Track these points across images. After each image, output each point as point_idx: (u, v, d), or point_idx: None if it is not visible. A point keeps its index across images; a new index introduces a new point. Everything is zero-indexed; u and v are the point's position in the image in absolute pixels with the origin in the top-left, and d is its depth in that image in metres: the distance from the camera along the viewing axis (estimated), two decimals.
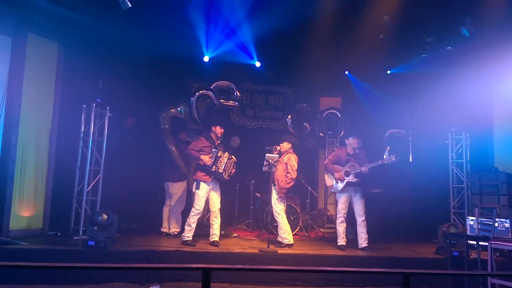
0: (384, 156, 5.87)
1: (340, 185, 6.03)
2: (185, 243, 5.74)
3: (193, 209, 5.86)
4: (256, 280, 5.07)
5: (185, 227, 5.86)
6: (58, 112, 6.54)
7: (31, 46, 6.23)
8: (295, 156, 6.11)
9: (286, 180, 5.94)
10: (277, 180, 6.00)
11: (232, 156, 6.00)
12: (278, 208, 6.03)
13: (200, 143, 5.98)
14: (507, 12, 6.05)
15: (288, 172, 5.96)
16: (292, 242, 5.95)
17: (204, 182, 5.85)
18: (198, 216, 5.89)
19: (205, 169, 5.84)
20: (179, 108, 7.40)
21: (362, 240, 5.88)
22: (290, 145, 6.17)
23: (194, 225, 5.82)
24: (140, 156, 7.31)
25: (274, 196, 6.05)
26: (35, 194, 6.26)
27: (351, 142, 6.14)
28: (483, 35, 6.52)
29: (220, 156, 5.85)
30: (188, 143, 7.08)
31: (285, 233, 5.96)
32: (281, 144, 6.17)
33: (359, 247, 5.87)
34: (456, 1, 6.25)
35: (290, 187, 6.08)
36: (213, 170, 5.80)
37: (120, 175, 6.97)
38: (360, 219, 5.92)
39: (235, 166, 6.03)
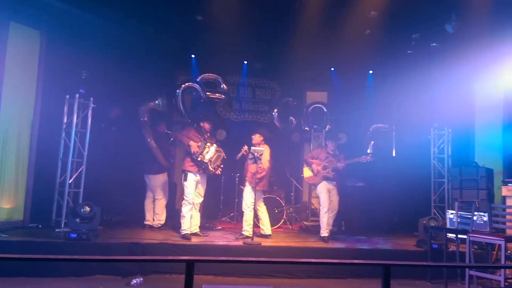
0: (362, 156, 6.11)
1: (318, 178, 6.23)
2: (183, 237, 5.73)
3: (183, 201, 5.89)
4: (240, 272, 5.10)
5: (181, 220, 5.84)
6: (40, 102, 6.40)
7: (13, 35, 6.07)
8: (268, 147, 6.19)
9: (258, 171, 5.98)
10: (250, 171, 6.03)
11: (221, 151, 6.05)
12: (249, 201, 5.99)
13: (190, 132, 6.06)
14: (491, 9, 6.15)
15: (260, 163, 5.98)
16: (251, 234, 5.83)
17: (191, 172, 5.88)
18: (190, 206, 5.88)
19: (192, 159, 5.88)
20: (157, 101, 7.33)
21: (328, 230, 6.10)
22: (262, 138, 6.22)
23: (187, 216, 5.83)
24: (124, 148, 7.22)
25: (247, 188, 6.07)
26: (16, 185, 6.15)
27: (329, 145, 6.46)
28: (467, 32, 6.62)
29: (207, 146, 5.92)
30: (167, 134, 7.06)
31: (248, 225, 5.97)
32: (252, 136, 6.22)
33: (321, 235, 6.04)
34: None
35: (262, 178, 6.03)
36: (199, 159, 5.82)
37: (103, 167, 6.88)
38: (334, 212, 6.27)
39: (221, 163, 6.06)
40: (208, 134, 6.17)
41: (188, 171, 5.88)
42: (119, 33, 6.91)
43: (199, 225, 6.11)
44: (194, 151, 5.83)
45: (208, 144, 5.97)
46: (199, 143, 5.90)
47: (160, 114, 7.36)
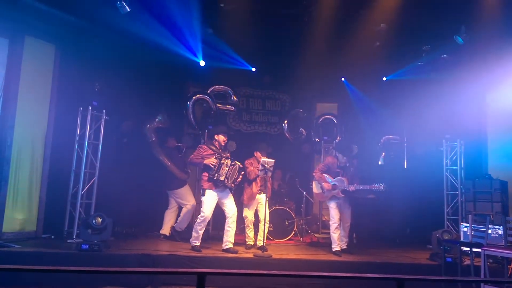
0: (374, 185, 5.84)
1: (327, 197, 6.14)
2: (193, 248, 5.71)
3: (199, 216, 5.80)
4: (250, 285, 5.06)
5: (193, 232, 5.81)
6: (54, 114, 6.51)
7: (28, 48, 6.22)
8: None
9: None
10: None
11: (236, 163, 5.83)
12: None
13: (202, 151, 5.88)
14: (501, 21, 6.13)
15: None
16: (253, 242, 6.37)
17: (210, 190, 5.74)
18: (205, 223, 5.78)
19: (209, 178, 5.73)
20: (157, 119, 7.28)
21: (342, 242, 6.04)
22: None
23: (201, 232, 5.75)
24: (136, 160, 7.27)
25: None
26: (29, 196, 6.22)
27: (340, 157, 6.24)
28: (477, 43, 6.61)
29: (223, 163, 5.73)
30: (178, 147, 7.08)
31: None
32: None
33: (333, 250, 5.95)
34: (451, 10, 6.33)
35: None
36: (215, 178, 5.68)
37: (115, 178, 6.93)
38: (346, 224, 6.13)
39: (241, 173, 5.87)
40: (221, 149, 5.99)
41: (207, 189, 5.74)
42: (132, 46, 7.01)
43: (232, 241, 5.81)
44: (212, 165, 5.69)
45: (224, 159, 5.77)
46: (215, 161, 5.74)
47: (166, 130, 7.37)
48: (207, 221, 5.85)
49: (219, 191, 5.79)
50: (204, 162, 5.76)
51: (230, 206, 5.84)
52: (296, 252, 6.10)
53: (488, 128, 7.48)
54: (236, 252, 5.71)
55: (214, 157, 5.78)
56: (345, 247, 6.06)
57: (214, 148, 5.91)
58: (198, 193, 6.66)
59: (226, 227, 5.82)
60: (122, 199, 6.88)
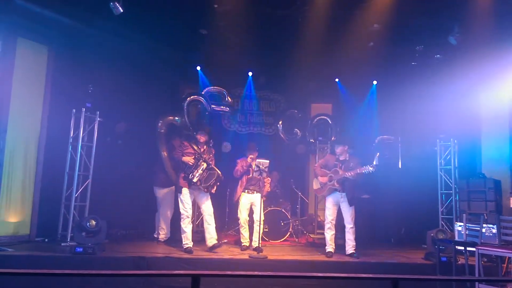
0: (364, 167, 5.59)
1: (325, 191, 6.06)
2: (185, 250, 5.68)
3: (181, 215, 5.82)
4: (246, 286, 5.03)
5: (181, 234, 5.79)
6: (47, 116, 6.47)
7: (20, 50, 6.17)
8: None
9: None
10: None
11: (216, 170, 5.82)
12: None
13: (183, 148, 5.94)
14: (493, 20, 6.17)
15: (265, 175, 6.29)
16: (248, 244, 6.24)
17: (185, 188, 5.81)
18: (188, 220, 5.79)
19: (184, 176, 5.78)
20: (176, 118, 7.45)
21: (349, 246, 5.87)
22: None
23: (187, 230, 5.74)
24: (130, 162, 7.24)
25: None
26: (22, 199, 6.17)
27: (338, 151, 6.07)
28: (471, 43, 6.64)
29: (199, 165, 5.75)
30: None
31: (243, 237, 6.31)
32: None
33: (346, 253, 5.88)
34: (444, 10, 6.37)
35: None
36: (189, 177, 5.71)
37: (109, 180, 6.90)
38: (348, 226, 5.89)
39: (217, 181, 5.84)
40: (205, 147, 6.02)
41: (182, 187, 5.80)
42: (125, 47, 6.99)
43: (216, 237, 5.90)
44: (189, 164, 5.73)
45: (200, 162, 5.77)
46: (192, 161, 5.76)
47: (176, 129, 7.42)
48: (190, 217, 5.84)
49: (195, 190, 5.84)
50: (182, 159, 5.81)
51: (206, 205, 5.89)
52: (291, 253, 6.10)
53: (482, 127, 7.52)
54: (221, 246, 5.82)
55: (194, 156, 5.81)
56: (352, 251, 5.81)
57: (195, 147, 5.93)
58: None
59: (205, 225, 5.87)
60: (116, 201, 6.84)
